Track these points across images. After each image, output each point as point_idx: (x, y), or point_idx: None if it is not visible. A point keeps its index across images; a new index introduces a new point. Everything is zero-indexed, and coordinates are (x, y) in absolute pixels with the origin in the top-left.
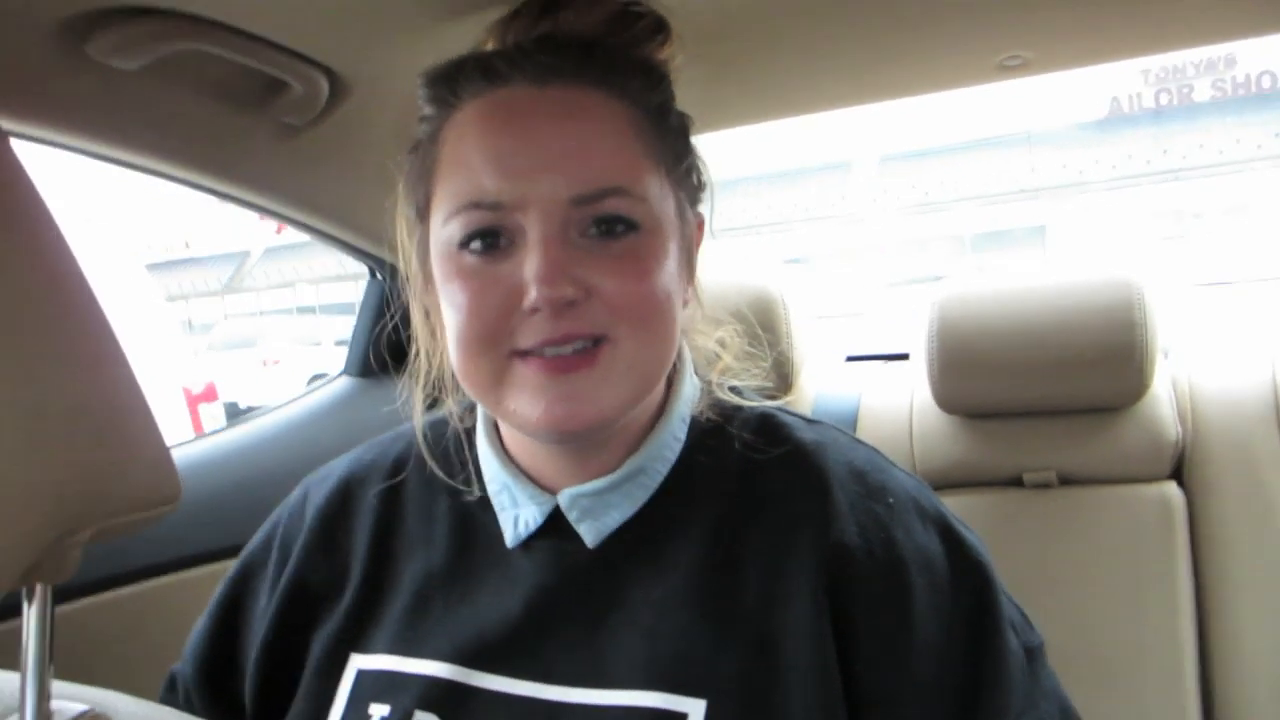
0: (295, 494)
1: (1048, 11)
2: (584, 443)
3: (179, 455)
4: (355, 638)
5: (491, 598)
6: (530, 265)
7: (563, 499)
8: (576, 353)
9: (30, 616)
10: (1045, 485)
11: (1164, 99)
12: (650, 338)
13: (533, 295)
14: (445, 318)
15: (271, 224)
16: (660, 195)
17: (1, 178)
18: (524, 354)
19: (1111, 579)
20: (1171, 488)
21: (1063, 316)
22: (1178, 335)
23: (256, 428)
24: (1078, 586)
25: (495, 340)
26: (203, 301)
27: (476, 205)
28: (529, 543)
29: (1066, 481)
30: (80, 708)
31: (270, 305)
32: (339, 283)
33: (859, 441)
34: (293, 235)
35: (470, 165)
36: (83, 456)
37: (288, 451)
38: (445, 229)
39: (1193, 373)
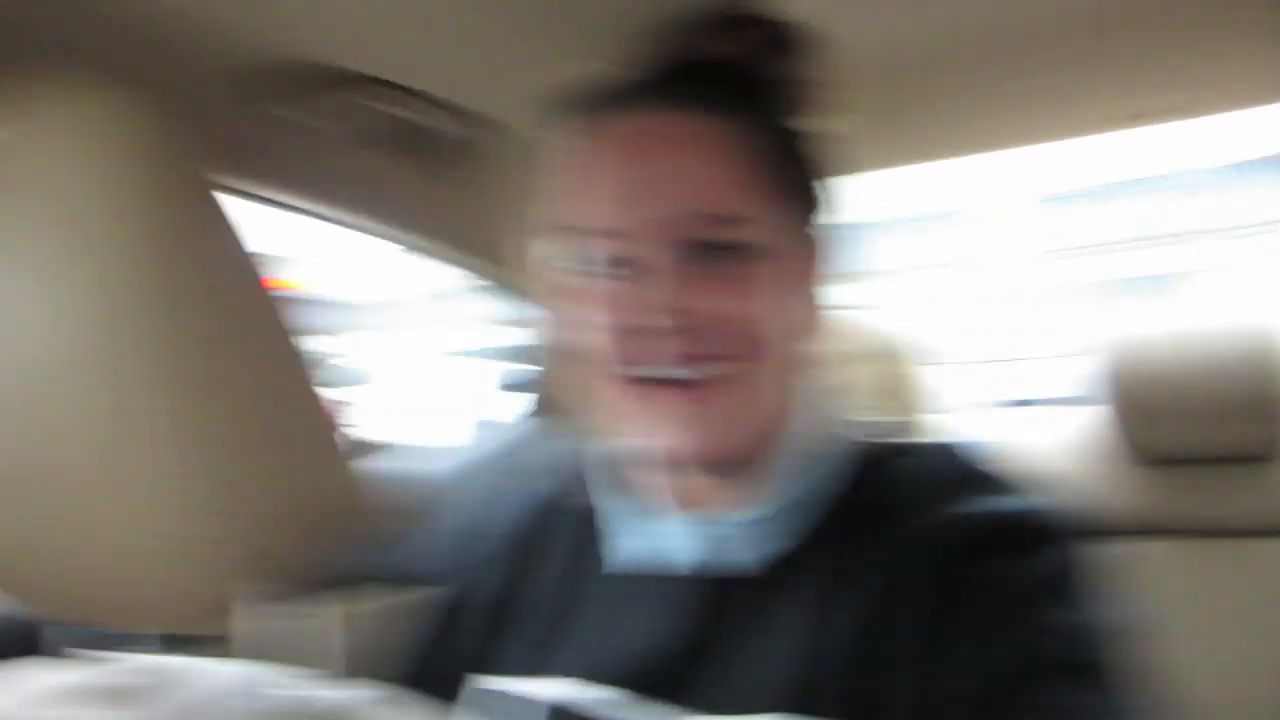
0: (493, 504)
1: (1188, 58)
2: (702, 471)
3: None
4: (482, 657)
5: (610, 626)
6: (634, 292)
7: (695, 530)
8: (682, 381)
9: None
10: (1221, 534)
11: None
12: (764, 366)
13: (635, 321)
14: (559, 337)
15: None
16: (774, 223)
17: (217, 230)
18: (633, 379)
19: None
20: None
21: (1243, 361)
22: None
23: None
24: (1251, 641)
25: (603, 362)
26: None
27: (581, 231)
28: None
29: (1244, 533)
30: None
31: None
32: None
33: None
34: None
35: (577, 192)
36: (326, 473)
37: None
38: (558, 252)
39: None
